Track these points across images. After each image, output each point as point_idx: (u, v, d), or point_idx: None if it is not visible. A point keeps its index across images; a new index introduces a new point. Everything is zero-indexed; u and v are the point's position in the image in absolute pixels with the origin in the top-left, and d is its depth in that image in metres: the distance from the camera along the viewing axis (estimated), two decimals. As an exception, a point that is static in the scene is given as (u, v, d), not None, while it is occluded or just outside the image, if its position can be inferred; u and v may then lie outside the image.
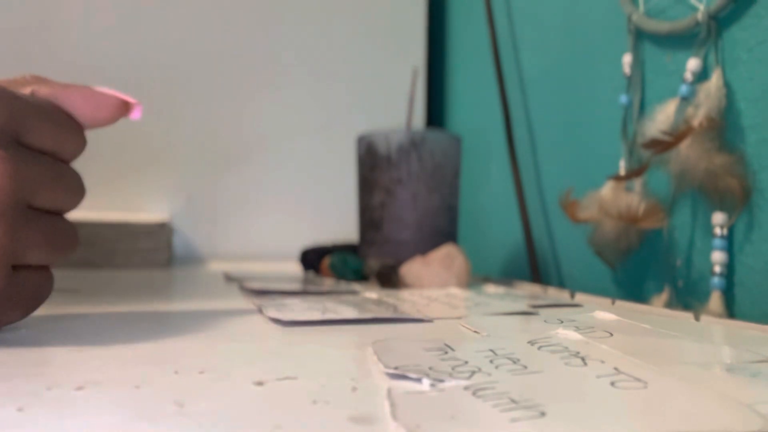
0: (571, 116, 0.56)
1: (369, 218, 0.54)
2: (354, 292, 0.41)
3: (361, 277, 0.49)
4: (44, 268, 0.26)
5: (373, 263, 0.48)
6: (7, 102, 0.24)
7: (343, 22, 0.79)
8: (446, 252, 0.46)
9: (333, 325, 0.29)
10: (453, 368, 0.20)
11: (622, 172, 0.46)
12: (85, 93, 0.28)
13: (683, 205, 0.43)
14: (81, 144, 0.28)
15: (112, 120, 0.29)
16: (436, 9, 0.86)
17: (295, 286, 0.44)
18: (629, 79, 0.47)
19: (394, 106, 0.78)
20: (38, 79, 0.27)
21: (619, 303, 0.38)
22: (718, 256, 0.39)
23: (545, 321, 0.30)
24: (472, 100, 0.77)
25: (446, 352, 0.22)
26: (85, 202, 0.31)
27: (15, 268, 0.24)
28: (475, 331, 0.27)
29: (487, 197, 0.71)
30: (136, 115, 0.29)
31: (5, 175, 0.23)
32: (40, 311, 0.31)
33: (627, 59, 0.47)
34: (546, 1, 0.61)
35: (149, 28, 0.72)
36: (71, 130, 0.27)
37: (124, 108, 0.29)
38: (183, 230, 0.73)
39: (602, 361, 0.21)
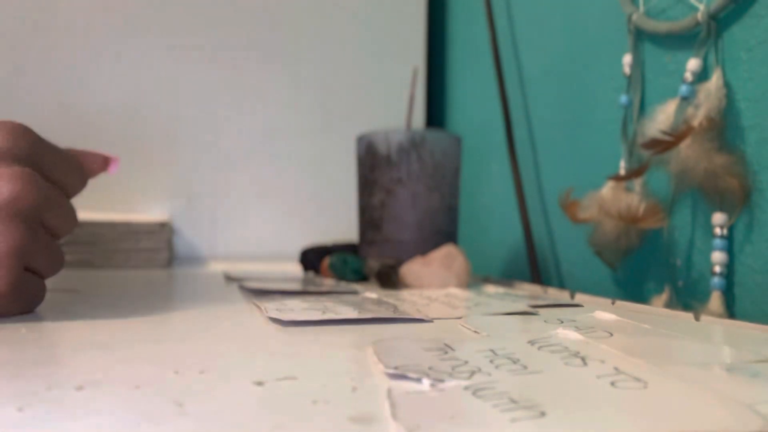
0: (571, 116, 0.56)
1: (369, 218, 0.54)
2: (354, 292, 0.41)
3: (361, 277, 0.49)
4: (41, 277, 0.30)
5: (373, 263, 0.48)
6: (32, 138, 0.30)
7: (343, 22, 0.79)
8: (446, 252, 0.46)
9: (333, 325, 0.29)
10: (453, 368, 0.20)
11: (622, 172, 0.46)
12: (85, 151, 0.36)
13: (683, 205, 0.43)
14: (82, 184, 0.34)
15: (99, 171, 0.36)
16: (436, 9, 0.86)
17: (295, 286, 0.44)
18: (629, 79, 0.47)
19: (394, 106, 0.78)
20: None
21: (619, 303, 0.38)
22: (718, 256, 0.39)
23: (545, 321, 0.30)
24: (472, 100, 0.77)
25: (446, 352, 0.22)
26: (86, 201, 0.33)
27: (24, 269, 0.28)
28: (475, 331, 0.27)
29: (487, 197, 0.71)
30: (113, 169, 0.37)
31: (34, 189, 0.28)
32: (41, 311, 0.31)
33: (627, 59, 0.47)
34: (546, 1, 0.61)
35: (150, 28, 0.72)
36: (77, 172, 0.33)
37: (106, 162, 0.37)
38: (183, 230, 0.73)
39: (602, 361, 0.21)
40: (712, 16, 0.39)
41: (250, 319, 0.30)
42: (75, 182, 0.33)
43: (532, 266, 0.58)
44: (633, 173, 0.44)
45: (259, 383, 0.18)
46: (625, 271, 0.49)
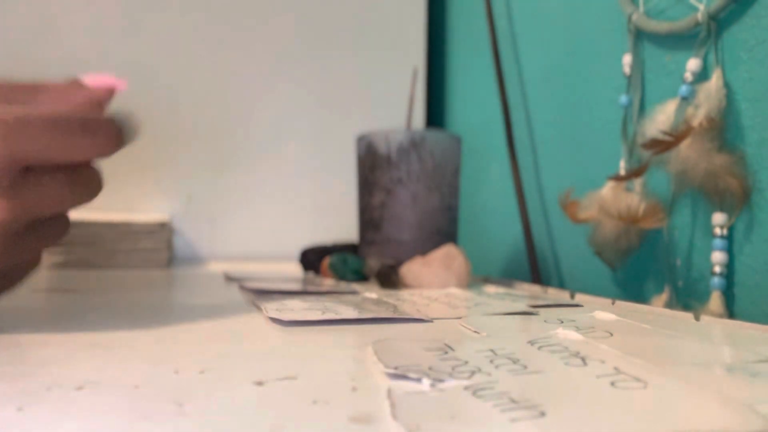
0: (571, 116, 0.56)
1: (369, 218, 0.54)
2: (354, 292, 0.41)
3: (361, 277, 0.49)
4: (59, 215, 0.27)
5: (373, 263, 0.48)
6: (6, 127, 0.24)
7: (343, 22, 0.79)
8: (446, 252, 0.46)
9: (333, 325, 0.29)
10: (453, 368, 0.20)
11: (622, 172, 0.46)
12: (83, 90, 0.30)
13: (683, 205, 0.43)
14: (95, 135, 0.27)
15: (108, 102, 0.30)
16: (436, 9, 0.86)
17: (295, 286, 0.44)
18: (629, 79, 0.47)
19: (394, 106, 0.78)
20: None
21: (619, 303, 0.38)
22: (718, 256, 0.39)
23: (545, 321, 0.30)
24: (472, 100, 0.77)
25: (446, 352, 0.22)
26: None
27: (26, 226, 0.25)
28: (475, 331, 0.27)
29: (487, 197, 0.71)
30: (121, 88, 0.31)
31: None
32: (41, 311, 0.31)
33: (627, 59, 0.47)
34: (546, 1, 0.61)
35: (151, 30, 0.72)
36: (79, 128, 0.26)
37: (112, 91, 0.30)
38: (183, 230, 0.73)
39: (602, 361, 0.21)
40: (712, 16, 0.39)
41: (250, 319, 0.30)
42: (83, 141, 0.26)
43: (532, 266, 0.58)
44: (633, 173, 0.44)
45: (259, 383, 0.18)
46: (625, 271, 0.49)
